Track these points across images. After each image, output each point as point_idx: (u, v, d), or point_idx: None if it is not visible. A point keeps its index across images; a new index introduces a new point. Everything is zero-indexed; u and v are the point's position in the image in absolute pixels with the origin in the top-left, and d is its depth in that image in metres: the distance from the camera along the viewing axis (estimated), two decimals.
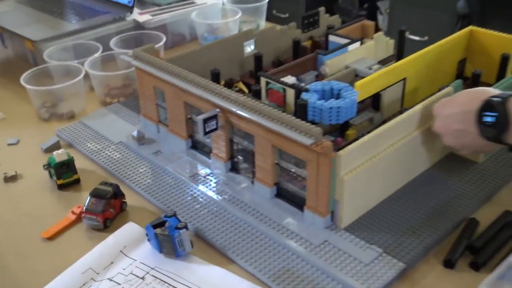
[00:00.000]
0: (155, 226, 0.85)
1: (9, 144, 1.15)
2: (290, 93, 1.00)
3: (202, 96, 0.95)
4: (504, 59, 1.11)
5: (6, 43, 1.55)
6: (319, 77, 1.13)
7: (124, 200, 0.95)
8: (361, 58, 1.18)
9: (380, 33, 1.29)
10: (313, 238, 0.84)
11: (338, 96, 0.98)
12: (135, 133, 1.09)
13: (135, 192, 0.99)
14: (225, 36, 1.21)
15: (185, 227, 0.83)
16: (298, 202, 0.91)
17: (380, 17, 3.53)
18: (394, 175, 0.93)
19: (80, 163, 1.07)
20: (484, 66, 1.17)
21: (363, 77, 1.08)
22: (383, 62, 1.21)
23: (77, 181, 1.02)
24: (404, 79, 1.07)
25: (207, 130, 0.93)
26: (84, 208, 0.91)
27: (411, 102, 1.11)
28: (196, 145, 1.07)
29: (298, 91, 0.98)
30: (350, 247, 0.83)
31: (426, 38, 2.92)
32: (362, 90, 0.98)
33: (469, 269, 0.80)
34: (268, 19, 1.76)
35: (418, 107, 0.92)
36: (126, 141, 1.11)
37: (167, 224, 0.84)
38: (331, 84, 0.99)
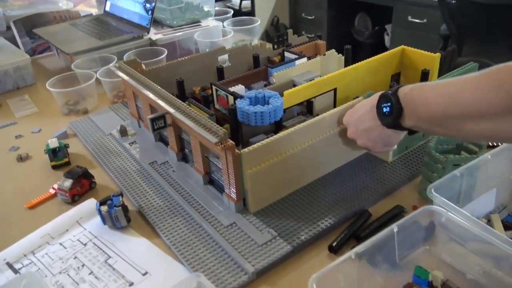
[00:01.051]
0: (102, 203, 0.80)
1: (32, 132, 1.14)
2: (231, 99, 0.92)
3: (154, 101, 0.89)
4: (424, 74, 0.98)
5: (59, 55, 1.55)
6: (267, 86, 1.04)
7: (93, 180, 0.91)
8: (307, 71, 1.08)
9: (332, 51, 1.17)
10: (225, 220, 0.77)
11: (268, 103, 0.90)
12: (118, 127, 1.05)
13: (107, 174, 0.95)
14: None
15: (121, 205, 0.78)
16: (222, 189, 0.83)
17: (386, 37, 3.33)
18: (301, 171, 0.83)
19: (76, 149, 1.04)
20: (414, 79, 1.04)
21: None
22: None
23: (68, 163, 0.99)
24: (335, 89, 0.97)
25: (155, 127, 0.87)
26: (58, 185, 0.87)
27: None
28: (162, 139, 1.01)
29: (235, 97, 0.90)
30: (252, 229, 0.75)
31: None
32: (289, 97, 0.89)
33: None
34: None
35: (319, 117, 0.81)
36: (114, 133, 1.06)
37: (108, 202, 0.79)
38: (264, 92, 0.90)
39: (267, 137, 0.90)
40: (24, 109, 1.25)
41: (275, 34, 1.21)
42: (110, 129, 1.09)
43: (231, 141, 0.72)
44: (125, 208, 0.79)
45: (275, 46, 1.22)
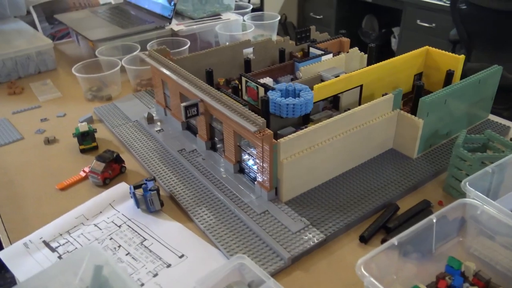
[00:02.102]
0: (137, 187, 0.82)
1: (57, 116, 1.15)
2: (261, 90, 0.93)
3: (187, 88, 0.90)
4: (449, 74, 1.00)
5: (80, 42, 1.56)
6: (293, 79, 1.06)
7: (123, 165, 0.92)
8: (332, 67, 1.10)
9: (355, 48, 1.20)
10: (257, 208, 0.79)
11: (298, 96, 0.92)
12: (145, 114, 1.06)
13: (136, 159, 0.96)
14: None
15: (157, 190, 0.80)
16: (253, 178, 0.85)
17: (393, 40, 3.36)
18: (334, 162, 0.85)
19: (102, 134, 1.05)
20: (436, 80, 1.07)
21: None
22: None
23: (95, 147, 1.00)
24: (361, 85, 0.99)
25: (188, 115, 0.88)
26: (90, 168, 0.89)
27: None
28: (189, 127, 1.03)
29: (266, 89, 0.92)
30: (285, 217, 0.76)
31: None
32: (319, 92, 0.90)
33: (380, 245, 0.73)
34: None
35: (355, 109, 0.83)
36: (140, 120, 1.08)
37: (143, 186, 0.81)
38: (295, 86, 0.92)
39: (295, 130, 0.93)
40: (48, 93, 1.26)
41: (297, 30, 1.23)
42: (136, 116, 1.10)
43: (269, 130, 0.74)
44: (158, 192, 0.80)
45: (298, 42, 1.24)
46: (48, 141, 1.03)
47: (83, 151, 0.99)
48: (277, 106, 0.88)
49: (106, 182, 0.89)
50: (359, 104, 1.01)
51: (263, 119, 0.74)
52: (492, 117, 1.05)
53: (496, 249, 0.66)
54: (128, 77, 1.27)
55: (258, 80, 0.96)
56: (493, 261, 0.66)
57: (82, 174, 0.91)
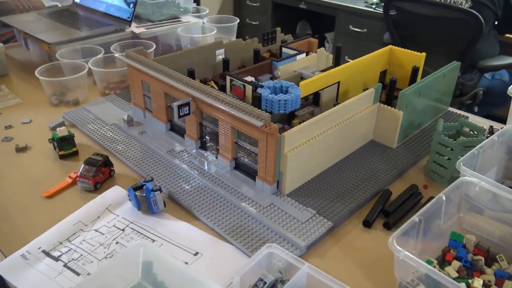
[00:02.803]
0: (136, 188, 0.79)
1: (23, 123, 1.07)
2: (249, 89, 0.94)
3: (178, 88, 0.89)
4: (415, 70, 1.08)
5: (29, 46, 1.46)
6: (273, 78, 1.09)
7: (112, 168, 0.89)
8: (306, 65, 1.14)
9: (322, 49, 1.25)
10: (262, 201, 0.80)
11: (286, 92, 0.94)
12: (125, 116, 1.02)
13: (122, 163, 0.93)
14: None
15: (159, 189, 0.78)
16: (251, 173, 0.86)
17: (327, 45, 3.51)
18: (327, 154, 0.88)
19: (79, 139, 1.00)
20: (399, 76, 1.14)
21: (306, 79, 1.04)
22: (323, 71, 1.17)
23: (76, 153, 0.95)
24: (338, 82, 1.03)
25: (181, 114, 0.87)
26: (79, 173, 0.84)
27: (343, 100, 1.07)
28: (173, 128, 1.01)
29: (255, 87, 0.93)
30: (291, 209, 0.78)
31: None
32: (305, 88, 0.93)
33: (383, 228, 0.77)
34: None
35: (345, 103, 0.88)
36: (118, 123, 1.04)
37: (144, 187, 0.78)
38: (281, 83, 0.94)
39: (283, 126, 0.95)
40: (5, 99, 1.17)
41: (264, 32, 1.25)
42: (112, 119, 1.06)
43: (274, 124, 0.76)
44: (161, 190, 0.78)
45: (265, 43, 1.27)
46: (20, 149, 0.96)
47: (62, 156, 0.93)
48: (268, 103, 0.89)
49: (97, 186, 0.84)
50: (336, 100, 1.06)
51: (267, 113, 0.76)
52: (451, 109, 1.15)
53: (486, 222, 0.73)
54: (95, 81, 1.21)
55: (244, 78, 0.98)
56: (484, 233, 0.73)
57: (68, 180, 0.86)
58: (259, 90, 0.91)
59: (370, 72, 1.14)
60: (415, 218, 0.62)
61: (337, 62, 1.21)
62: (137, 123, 1.04)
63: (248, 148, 0.84)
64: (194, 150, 0.94)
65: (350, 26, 2.95)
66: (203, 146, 0.95)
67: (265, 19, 3.51)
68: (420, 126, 1.04)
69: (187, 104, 0.88)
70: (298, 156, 0.80)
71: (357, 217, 0.79)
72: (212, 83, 1.13)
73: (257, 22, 3.59)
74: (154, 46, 1.31)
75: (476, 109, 2.39)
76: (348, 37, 3.01)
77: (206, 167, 0.88)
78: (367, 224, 0.77)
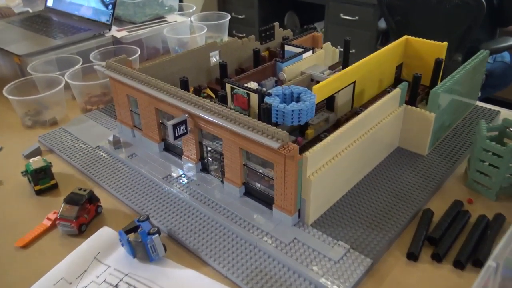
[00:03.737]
0: (128, 231, 0.64)
1: None
2: (254, 98, 0.79)
3: (172, 103, 0.73)
4: (438, 63, 0.93)
5: None
6: (278, 82, 0.94)
7: (99, 204, 0.73)
8: (313, 64, 0.99)
9: (328, 43, 1.10)
10: (282, 237, 0.65)
11: (298, 100, 0.79)
12: (111, 138, 0.87)
13: (111, 194, 0.77)
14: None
15: (158, 232, 0.63)
16: (265, 200, 0.71)
17: None
18: (352, 171, 0.74)
19: (59, 168, 0.84)
20: (417, 70, 1.00)
21: (318, 81, 0.90)
22: (331, 68, 1.02)
23: (55, 186, 0.79)
24: (354, 82, 0.89)
25: (177, 134, 0.72)
26: (59, 215, 0.69)
27: (359, 102, 0.93)
28: (168, 148, 0.85)
29: (261, 95, 0.78)
30: (319, 244, 0.64)
31: (353, 51, 2.79)
32: (319, 93, 0.78)
33: (431, 260, 0.63)
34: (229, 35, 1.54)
35: (370, 109, 0.73)
36: (103, 145, 0.88)
37: (139, 230, 0.63)
38: (291, 89, 0.80)
39: (296, 139, 0.80)
40: None
41: (261, 28, 1.10)
42: (96, 141, 0.90)
43: (293, 144, 0.61)
44: (159, 233, 0.63)
45: (263, 41, 1.12)
46: None
47: (39, 192, 0.78)
48: (279, 114, 0.74)
49: (82, 229, 0.69)
50: (352, 103, 0.92)
51: (285, 132, 0.61)
52: (479, 104, 1.01)
53: None
54: (74, 95, 1.05)
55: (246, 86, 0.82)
56: None
57: (47, 222, 0.71)
58: (267, 99, 0.76)
59: (386, 67, 0.99)
60: (491, 263, 0.47)
61: (345, 57, 1.06)
62: (126, 143, 0.88)
63: (261, 171, 0.69)
64: (195, 174, 0.79)
65: (341, 15, 2.81)
66: (205, 169, 0.79)
67: (251, 12, 3.35)
68: (450, 127, 0.90)
69: (184, 122, 0.72)
70: (322, 178, 0.65)
71: (398, 247, 0.65)
72: (209, 91, 0.98)
73: (243, 16, 3.42)
74: (139, 52, 1.14)
75: (479, 94, 2.27)
76: (338, 26, 2.86)
77: (210, 195, 0.73)
78: (413, 256, 0.63)
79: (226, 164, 0.72)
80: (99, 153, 0.87)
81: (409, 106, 0.81)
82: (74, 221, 0.68)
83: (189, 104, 0.71)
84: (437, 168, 0.79)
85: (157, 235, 0.62)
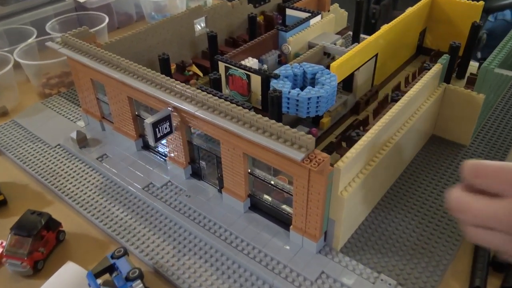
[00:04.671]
0: (99, 273, 0.47)
1: None
2: (256, 80, 0.61)
3: (150, 94, 0.54)
4: (475, 28, 0.75)
5: None
6: (282, 57, 0.75)
7: (60, 228, 0.55)
8: (322, 32, 0.80)
9: (335, 5, 0.91)
10: (306, 270, 0.49)
11: (312, 82, 0.61)
12: (74, 135, 0.67)
13: (77, 212, 0.59)
14: (173, 14, 0.81)
15: (139, 275, 0.46)
16: (278, 218, 0.54)
17: None
18: (386, 177, 0.57)
19: (8, 175, 0.65)
20: (445, 36, 0.83)
21: (331, 55, 0.71)
22: (340, 35, 0.84)
23: (3, 202, 0.60)
24: (376, 54, 0.71)
25: (158, 135, 0.54)
26: (4, 250, 0.51)
27: (380, 78, 0.76)
28: (148, 145, 0.67)
29: (266, 78, 0.60)
30: (355, 279, 0.48)
31: None
32: (339, 72, 0.61)
33: None
34: None
35: (410, 93, 0.55)
36: (65, 143, 0.69)
37: (114, 275, 0.46)
38: (303, 67, 0.61)
39: (309, 130, 0.63)
40: None
41: None
42: (56, 138, 0.71)
43: (323, 154, 0.43)
44: (142, 278, 0.46)
45: (257, 4, 0.92)
46: None
47: None
48: (292, 103, 0.57)
49: (38, 267, 0.51)
50: (373, 80, 0.74)
51: (311, 137, 0.43)
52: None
53: None
54: (28, 77, 0.85)
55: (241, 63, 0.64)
56: None
57: None
58: (273, 83, 0.58)
59: (409, 35, 0.82)
60: None
61: (357, 22, 0.88)
62: (93, 141, 0.69)
63: (273, 183, 0.52)
64: (184, 181, 0.61)
65: None
66: (196, 174, 0.62)
67: None
68: (490, 109, 0.74)
69: (167, 118, 0.54)
70: (356, 193, 0.49)
71: (454, 277, 0.50)
72: (195, 68, 0.79)
73: None
74: (107, 20, 0.93)
75: (479, 54, 2.12)
76: None
77: (206, 212, 0.56)
78: None
79: (225, 172, 0.55)
80: (61, 154, 0.68)
81: (451, 86, 0.63)
82: (25, 259, 0.50)
83: (172, 95, 0.53)
84: None
85: (138, 280, 0.45)
